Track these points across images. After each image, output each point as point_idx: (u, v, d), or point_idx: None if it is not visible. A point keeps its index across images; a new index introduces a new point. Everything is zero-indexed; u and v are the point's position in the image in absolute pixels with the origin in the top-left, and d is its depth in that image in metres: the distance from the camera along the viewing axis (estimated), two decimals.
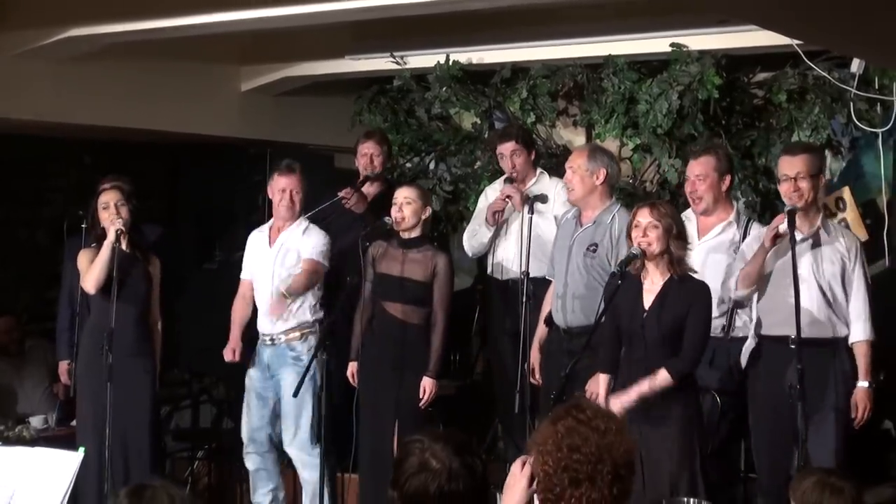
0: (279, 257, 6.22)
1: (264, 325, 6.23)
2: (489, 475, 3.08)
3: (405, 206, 6.06)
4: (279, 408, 6.23)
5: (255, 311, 6.33)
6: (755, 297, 5.48)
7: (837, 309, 5.35)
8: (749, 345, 5.56)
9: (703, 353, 5.17)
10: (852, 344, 5.36)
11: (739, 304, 5.64)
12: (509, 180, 6.63)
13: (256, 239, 6.37)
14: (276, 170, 6.26)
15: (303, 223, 6.28)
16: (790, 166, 5.37)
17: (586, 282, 5.79)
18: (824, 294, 5.31)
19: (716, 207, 5.81)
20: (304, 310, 6.22)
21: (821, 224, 5.40)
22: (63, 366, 6.69)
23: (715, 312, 5.56)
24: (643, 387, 4.98)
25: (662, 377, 4.97)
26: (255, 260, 6.32)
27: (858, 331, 5.36)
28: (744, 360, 5.57)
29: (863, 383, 5.34)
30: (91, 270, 5.91)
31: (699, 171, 5.80)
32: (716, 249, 5.77)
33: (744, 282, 5.38)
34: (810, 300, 5.26)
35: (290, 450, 6.23)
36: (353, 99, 8.15)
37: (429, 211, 6.16)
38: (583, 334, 5.61)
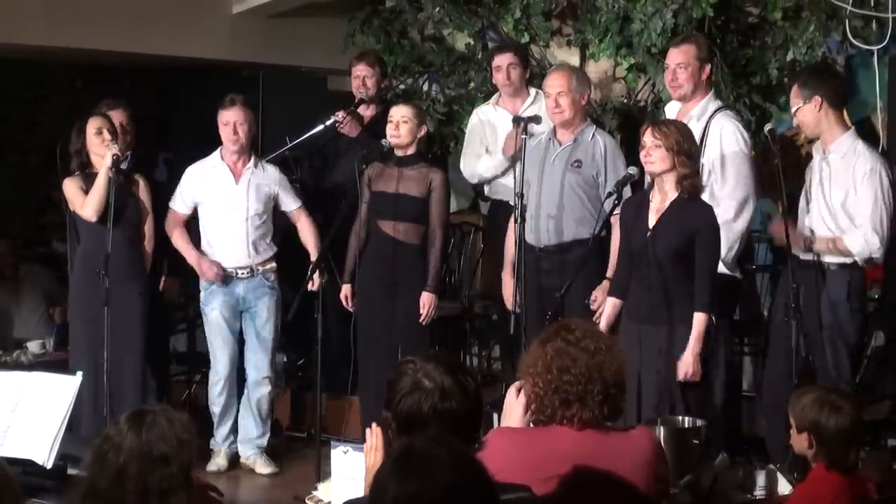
0: (250, 194, 6.18)
1: (240, 258, 6.20)
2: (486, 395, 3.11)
3: (402, 124, 6.05)
4: (246, 341, 6.25)
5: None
6: None
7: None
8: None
9: (716, 277, 5.04)
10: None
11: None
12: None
13: (213, 175, 6.24)
14: (220, 104, 6.18)
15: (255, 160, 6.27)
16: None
17: (568, 198, 5.78)
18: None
19: (693, 95, 5.78)
20: (273, 242, 6.30)
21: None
22: None
23: None
24: (694, 342, 4.87)
25: (699, 320, 4.89)
26: (215, 195, 6.22)
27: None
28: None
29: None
30: (92, 197, 5.90)
31: (680, 60, 5.78)
32: None
33: None
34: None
35: (252, 362, 6.23)
36: (345, 20, 8.07)
37: (424, 129, 6.17)
38: (556, 253, 5.70)
